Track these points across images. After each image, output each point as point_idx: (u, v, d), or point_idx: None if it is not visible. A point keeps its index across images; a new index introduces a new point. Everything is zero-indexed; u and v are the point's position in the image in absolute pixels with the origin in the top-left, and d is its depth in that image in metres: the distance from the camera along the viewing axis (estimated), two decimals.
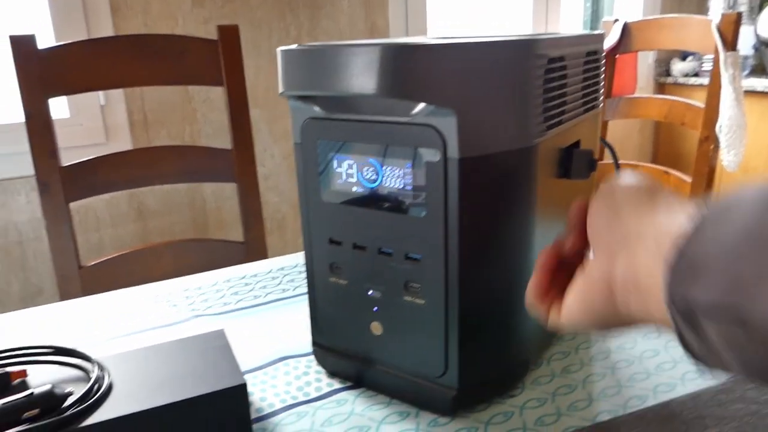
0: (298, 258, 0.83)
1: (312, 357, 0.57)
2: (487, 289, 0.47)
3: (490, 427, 0.47)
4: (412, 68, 0.41)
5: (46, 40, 1.47)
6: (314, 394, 0.52)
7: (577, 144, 0.55)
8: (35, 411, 0.39)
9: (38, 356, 0.46)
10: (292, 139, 0.50)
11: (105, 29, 1.55)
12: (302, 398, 0.52)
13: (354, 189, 0.47)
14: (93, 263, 1.11)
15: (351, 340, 0.52)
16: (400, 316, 0.48)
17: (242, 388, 0.45)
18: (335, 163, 0.48)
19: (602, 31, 0.59)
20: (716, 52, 1.32)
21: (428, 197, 0.44)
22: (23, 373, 0.43)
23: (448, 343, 0.47)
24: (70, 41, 1.06)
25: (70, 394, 0.41)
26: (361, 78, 0.42)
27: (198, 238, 1.47)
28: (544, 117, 0.46)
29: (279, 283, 0.75)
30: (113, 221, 1.58)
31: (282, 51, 0.45)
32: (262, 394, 0.52)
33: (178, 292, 0.74)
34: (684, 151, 2.62)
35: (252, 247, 1.22)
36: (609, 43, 1.51)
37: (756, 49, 2.47)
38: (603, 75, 0.60)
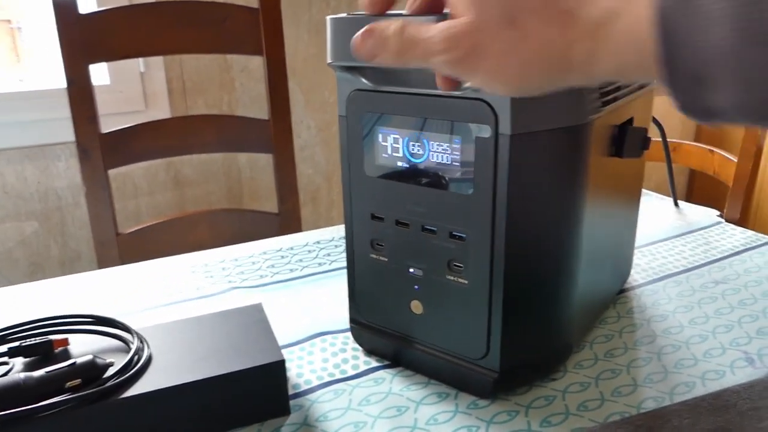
0: (334, 232, 0.83)
1: (348, 334, 0.56)
2: (533, 270, 0.46)
3: (531, 411, 0.46)
4: None
5: (87, 5, 1.48)
6: (351, 372, 0.51)
7: (630, 121, 0.53)
8: (77, 381, 0.39)
9: (80, 325, 0.46)
10: (337, 111, 0.48)
11: None
12: (339, 375, 0.51)
13: (399, 164, 0.46)
14: (130, 231, 1.13)
15: (390, 319, 0.51)
16: (442, 296, 0.47)
17: (281, 364, 0.44)
18: (380, 137, 0.46)
19: None
20: None
21: (477, 174, 0.42)
22: (65, 342, 0.43)
23: (491, 325, 0.45)
24: (111, 7, 1.06)
25: (111, 364, 0.41)
26: None
27: (233, 208, 1.47)
28: (600, 92, 0.44)
29: (315, 257, 0.75)
30: (150, 189, 1.59)
31: (331, 20, 0.44)
32: (299, 369, 0.52)
33: (215, 263, 0.74)
34: (730, 129, 2.53)
35: (286, 218, 1.22)
36: None
37: None
38: None
